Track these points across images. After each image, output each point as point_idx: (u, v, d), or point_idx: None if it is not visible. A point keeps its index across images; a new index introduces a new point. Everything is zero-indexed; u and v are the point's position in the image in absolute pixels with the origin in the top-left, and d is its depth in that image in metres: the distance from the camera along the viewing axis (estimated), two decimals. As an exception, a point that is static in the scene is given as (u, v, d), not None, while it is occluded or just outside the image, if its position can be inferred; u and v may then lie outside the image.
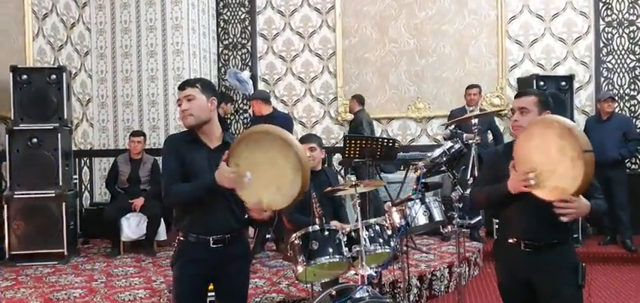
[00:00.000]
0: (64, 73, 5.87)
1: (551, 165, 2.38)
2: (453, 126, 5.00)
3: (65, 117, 5.87)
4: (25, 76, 5.76)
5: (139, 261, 5.80)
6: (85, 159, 7.54)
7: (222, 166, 2.49)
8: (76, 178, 6.89)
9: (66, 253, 5.74)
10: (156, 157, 6.60)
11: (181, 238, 2.74)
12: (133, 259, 5.88)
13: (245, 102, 8.42)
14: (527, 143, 2.47)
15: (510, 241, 2.78)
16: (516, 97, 2.83)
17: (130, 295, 4.51)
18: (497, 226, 6.71)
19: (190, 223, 2.69)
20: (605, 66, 7.59)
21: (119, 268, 5.52)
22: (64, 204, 5.74)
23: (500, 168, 2.67)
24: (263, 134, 2.51)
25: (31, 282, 4.98)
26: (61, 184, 5.77)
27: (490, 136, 6.73)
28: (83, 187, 7.45)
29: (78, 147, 7.18)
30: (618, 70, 7.55)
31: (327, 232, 3.22)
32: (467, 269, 5.61)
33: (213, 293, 2.89)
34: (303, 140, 4.22)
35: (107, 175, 6.68)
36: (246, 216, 2.72)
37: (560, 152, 2.34)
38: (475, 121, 5.01)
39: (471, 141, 4.84)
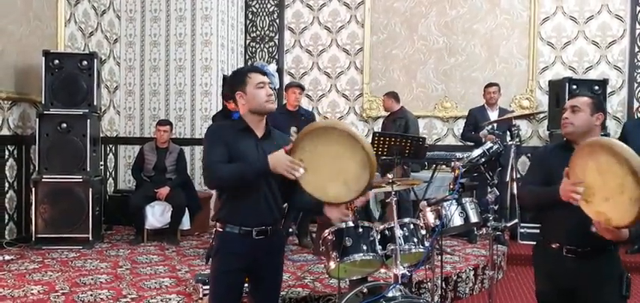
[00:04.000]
0: (95, 60, 5.89)
1: (606, 192, 2.33)
2: (490, 126, 4.94)
3: (94, 103, 5.89)
4: (56, 61, 5.78)
5: (162, 249, 5.81)
6: (110, 146, 7.58)
7: (280, 154, 2.50)
8: (101, 165, 6.94)
9: (90, 238, 5.77)
10: (182, 147, 6.61)
11: (220, 230, 2.71)
12: (156, 248, 5.90)
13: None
14: (587, 159, 2.41)
15: (553, 245, 2.72)
16: (570, 97, 2.81)
17: (155, 283, 4.51)
18: (538, 230, 6.65)
19: (233, 214, 2.66)
20: (639, 71, 7.42)
21: (143, 255, 5.53)
22: (90, 189, 5.78)
23: (550, 166, 2.65)
24: (329, 129, 2.52)
25: (57, 265, 5.01)
26: (88, 169, 5.80)
27: (508, 137, 6.59)
28: (108, 173, 7.50)
29: (104, 134, 7.22)
30: (653, 76, 7.39)
31: (360, 229, 3.17)
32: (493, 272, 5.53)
33: (246, 285, 2.86)
34: None
35: (133, 162, 6.70)
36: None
37: (619, 187, 2.28)
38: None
39: (510, 142, 4.77)
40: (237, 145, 2.64)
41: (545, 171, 2.74)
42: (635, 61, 7.43)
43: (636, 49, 7.43)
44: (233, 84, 2.73)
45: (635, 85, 7.43)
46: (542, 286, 2.85)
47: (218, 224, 2.72)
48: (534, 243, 5.23)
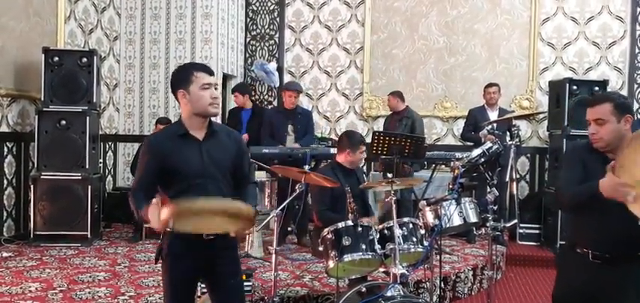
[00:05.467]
0: (95, 57, 5.88)
1: None
2: (490, 126, 4.93)
3: (94, 101, 5.88)
4: (56, 58, 5.78)
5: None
6: (109, 143, 7.57)
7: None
8: (100, 162, 6.93)
9: (89, 235, 5.76)
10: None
11: (169, 231, 2.51)
12: (154, 245, 5.86)
13: (270, 93, 8.39)
14: (637, 155, 2.23)
15: (579, 250, 2.63)
16: (588, 105, 2.61)
17: (154, 280, 4.50)
18: (538, 231, 6.70)
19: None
20: (639, 72, 7.41)
21: (141, 253, 5.53)
22: (89, 187, 5.76)
23: (589, 162, 2.54)
24: (187, 212, 2.29)
25: (55, 263, 5.00)
26: (87, 167, 5.79)
27: (508, 138, 6.57)
28: (107, 171, 7.49)
29: (103, 131, 7.21)
30: (653, 76, 7.39)
31: (360, 229, 3.17)
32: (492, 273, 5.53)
33: (203, 286, 2.79)
34: (360, 142, 4.15)
35: (132, 160, 6.70)
36: None
37: None
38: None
39: (510, 142, 4.76)
40: (178, 155, 2.53)
41: (584, 167, 2.59)
42: (636, 62, 7.43)
43: (636, 51, 7.42)
44: (176, 80, 2.58)
45: (635, 86, 7.42)
46: (563, 291, 2.77)
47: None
48: (535, 243, 5.26)
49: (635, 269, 2.54)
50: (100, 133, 6.57)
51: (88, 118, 5.78)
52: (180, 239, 2.50)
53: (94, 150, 5.97)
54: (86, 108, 5.80)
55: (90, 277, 4.57)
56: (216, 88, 2.58)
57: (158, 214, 2.27)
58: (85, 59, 5.85)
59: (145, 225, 2.50)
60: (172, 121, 6.64)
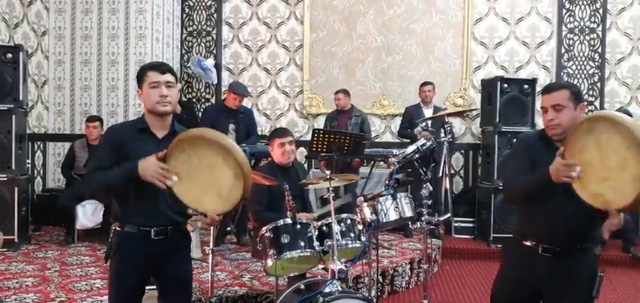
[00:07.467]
0: (21, 53, 5.61)
1: (605, 172, 2.16)
2: (424, 123, 5.04)
3: (20, 98, 5.61)
4: (-22, 54, 5.48)
5: (94, 250, 5.61)
6: (38, 143, 7.25)
7: (151, 159, 2.39)
8: (28, 163, 6.62)
9: (16, 239, 5.52)
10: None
11: (118, 229, 2.59)
12: (87, 248, 5.70)
13: (207, 90, 8.27)
14: (585, 135, 2.22)
15: (527, 243, 2.61)
16: (545, 92, 2.58)
17: (86, 284, 4.35)
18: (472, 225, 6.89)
19: (130, 214, 2.56)
20: (565, 71, 7.78)
21: (73, 256, 5.33)
22: (16, 189, 5.52)
23: (538, 155, 2.52)
24: (197, 138, 2.39)
25: (-21, 269, 4.75)
26: (13, 167, 5.53)
27: (442, 134, 6.70)
28: (36, 172, 7.16)
29: (32, 130, 6.90)
30: (578, 76, 7.75)
31: (298, 226, 3.17)
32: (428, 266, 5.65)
33: (153, 287, 2.75)
34: (280, 134, 4.14)
35: (63, 160, 6.44)
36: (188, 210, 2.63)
37: (621, 164, 2.10)
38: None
39: (444, 138, 4.88)
40: (134, 148, 2.54)
41: (532, 159, 2.56)
42: (562, 61, 7.78)
43: (562, 50, 7.78)
44: (137, 79, 2.66)
45: (562, 84, 7.75)
46: (504, 285, 2.75)
47: (116, 224, 2.61)
48: (469, 237, 5.32)
49: (582, 261, 2.56)
50: (28, 132, 6.28)
51: (13, 116, 5.53)
52: (129, 239, 2.54)
53: (20, 150, 5.70)
54: (12, 106, 5.53)
55: (17, 282, 4.36)
56: (169, 87, 2.58)
57: (155, 161, 2.36)
58: (9, 55, 5.58)
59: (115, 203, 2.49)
60: (102, 119, 6.48)
